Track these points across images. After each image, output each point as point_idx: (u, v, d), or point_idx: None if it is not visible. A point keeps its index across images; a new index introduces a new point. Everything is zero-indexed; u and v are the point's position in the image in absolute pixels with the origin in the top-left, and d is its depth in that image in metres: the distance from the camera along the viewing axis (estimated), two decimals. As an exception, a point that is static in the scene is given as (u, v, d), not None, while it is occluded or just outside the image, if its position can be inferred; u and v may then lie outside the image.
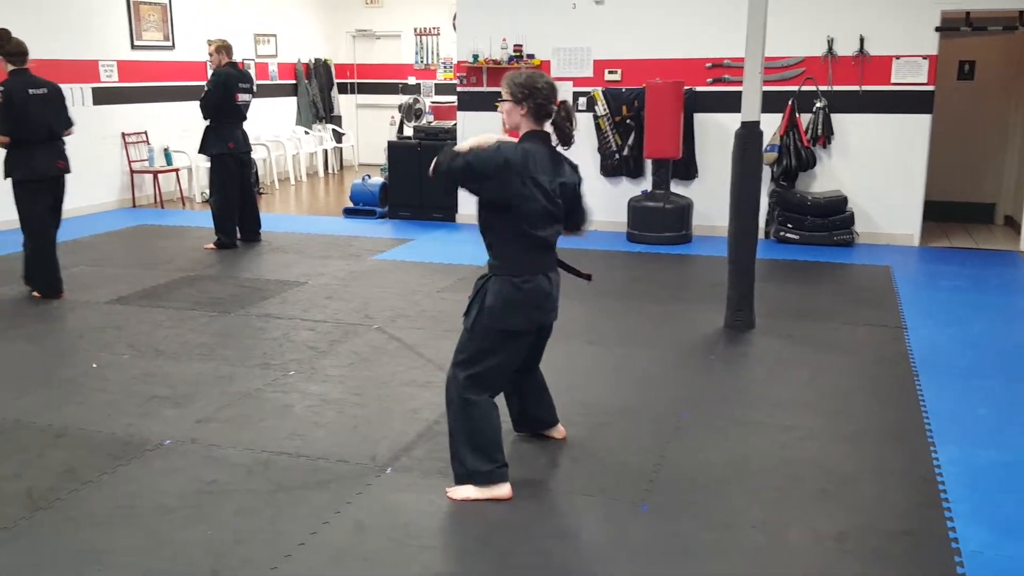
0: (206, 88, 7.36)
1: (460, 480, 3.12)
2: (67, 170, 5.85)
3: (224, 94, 7.26)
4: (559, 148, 3.15)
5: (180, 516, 3.00)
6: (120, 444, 3.57)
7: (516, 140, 3.09)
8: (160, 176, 9.85)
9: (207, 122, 7.42)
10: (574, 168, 3.21)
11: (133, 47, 9.60)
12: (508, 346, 3.10)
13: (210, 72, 7.49)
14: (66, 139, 5.87)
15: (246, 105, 7.49)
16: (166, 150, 9.83)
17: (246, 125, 7.59)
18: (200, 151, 7.52)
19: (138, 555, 2.76)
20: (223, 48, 7.37)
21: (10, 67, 5.64)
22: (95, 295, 5.86)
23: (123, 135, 9.52)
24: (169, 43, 10.04)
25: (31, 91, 5.60)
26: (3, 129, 5.56)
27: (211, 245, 7.43)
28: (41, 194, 5.72)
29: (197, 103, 7.42)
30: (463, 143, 3.05)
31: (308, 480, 3.25)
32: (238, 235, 7.56)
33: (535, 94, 3.03)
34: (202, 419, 3.82)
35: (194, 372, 4.42)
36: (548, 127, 3.11)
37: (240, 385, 4.23)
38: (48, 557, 2.76)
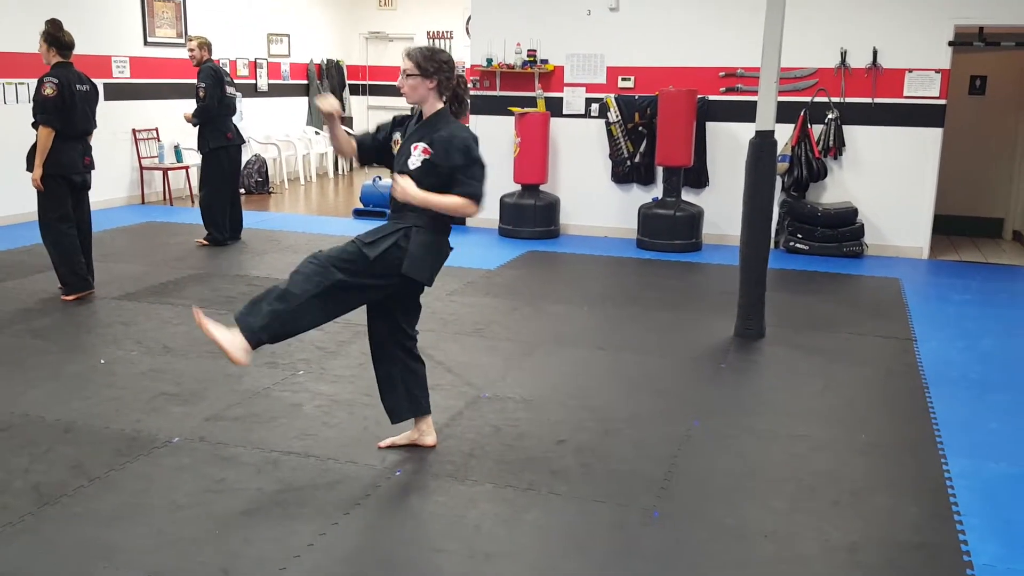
0: (202, 86, 7.17)
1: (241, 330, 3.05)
2: (92, 167, 5.80)
3: (219, 88, 7.23)
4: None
5: (188, 514, 2.99)
6: (128, 441, 3.56)
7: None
8: (170, 173, 9.87)
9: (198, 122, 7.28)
10: None
11: (146, 43, 9.63)
12: (387, 288, 3.16)
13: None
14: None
15: (234, 98, 7.47)
16: (176, 147, 9.85)
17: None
18: (199, 148, 7.42)
19: (146, 553, 2.75)
20: (205, 45, 7.34)
21: (57, 59, 5.52)
22: (104, 291, 5.86)
23: (134, 131, 9.54)
24: (182, 40, 10.05)
25: (77, 87, 5.52)
26: (51, 122, 5.39)
27: (202, 240, 7.42)
28: (64, 192, 5.60)
29: (196, 105, 7.21)
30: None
31: (317, 481, 3.24)
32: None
33: (443, 68, 3.14)
34: (210, 417, 3.82)
35: (202, 370, 4.41)
36: (444, 99, 3.22)
37: (249, 384, 4.23)
38: (55, 553, 2.74)
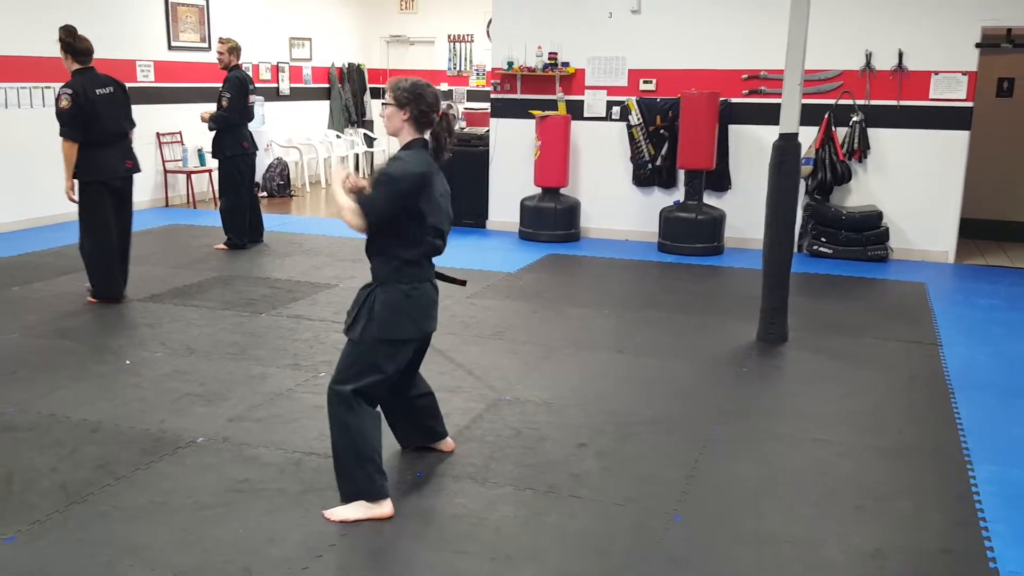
0: (226, 94, 7.20)
1: (349, 499, 3.02)
2: (136, 169, 5.76)
3: (242, 99, 7.29)
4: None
5: (213, 514, 3.02)
6: (153, 440, 3.60)
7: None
8: (193, 176, 9.97)
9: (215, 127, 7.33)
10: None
11: (170, 48, 9.74)
12: (397, 356, 3.02)
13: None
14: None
15: (254, 105, 7.53)
16: (200, 151, 9.94)
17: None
18: (214, 154, 7.48)
19: (171, 551, 2.78)
20: (235, 49, 7.39)
21: (76, 66, 5.49)
22: (129, 292, 5.90)
23: (158, 135, 9.65)
24: (205, 44, 10.17)
25: (98, 91, 5.45)
26: (71, 135, 5.38)
27: (221, 245, 7.48)
28: (106, 196, 5.57)
29: (216, 111, 7.26)
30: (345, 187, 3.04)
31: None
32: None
33: (419, 100, 2.98)
34: (234, 418, 3.85)
35: (226, 371, 4.45)
36: (427, 136, 3.06)
37: (272, 385, 4.26)
38: (82, 551, 2.78)
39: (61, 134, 5.43)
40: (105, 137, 5.52)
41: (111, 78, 5.68)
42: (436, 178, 3.01)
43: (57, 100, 5.42)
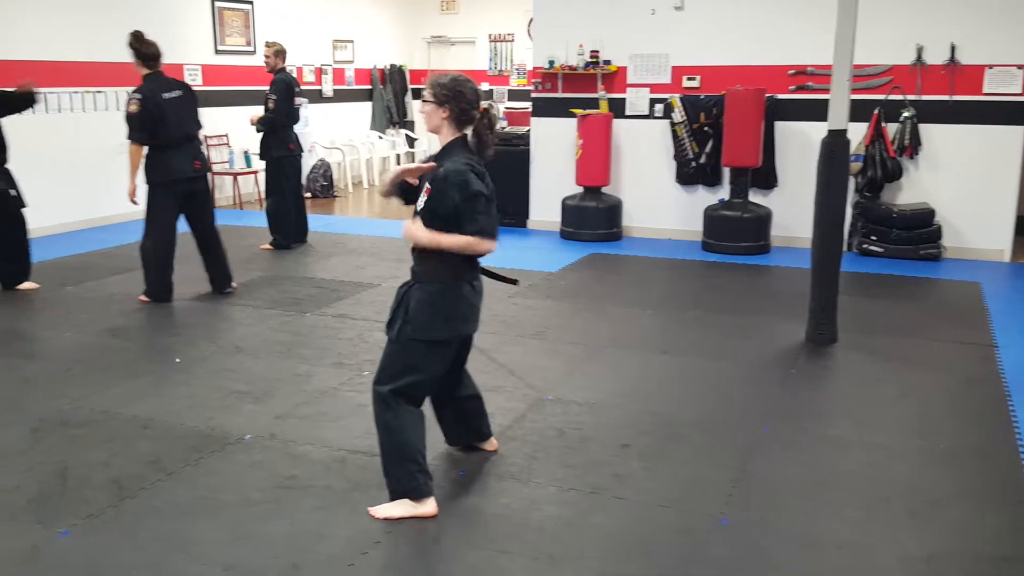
0: (273, 98, 7.30)
1: (394, 496, 3.02)
2: (205, 169, 5.90)
3: (289, 101, 7.37)
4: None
5: (261, 510, 3.05)
6: (203, 437, 3.66)
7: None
8: (240, 178, 10.12)
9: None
10: None
11: (217, 52, 9.91)
12: (433, 357, 3.01)
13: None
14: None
15: (299, 108, 7.60)
16: (246, 153, 10.10)
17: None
18: (262, 156, 7.58)
19: (220, 546, 2.82)
20: (282, 52, 7.48)
21: (145, 71, 5.64)
22: (177, 292, 6.00)
23: (205, 138, 9.79)
24: (251, 48, 10.33)
25: (165, 96, 5.59)
26: (137, 138, 5.55)
27: (267, 245, 7.60)
28: (173, 198, 5.70)
29: (264, 113, 7.37)
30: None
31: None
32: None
33: (459, 97, 2.93)
34: (280, 415, 3.90)
35: (273, 369, 4.51)
36: (467, 132, 3.00)
37: (317, 383, 4.30)
38: (134, 545, 2.84)
39: (129, 137, 5.59)
40: (172, 140, 5.65)
41: (179, 81, 5.85)
42: (486, 178, 2.98)
43: (127, 104, 5.58)
